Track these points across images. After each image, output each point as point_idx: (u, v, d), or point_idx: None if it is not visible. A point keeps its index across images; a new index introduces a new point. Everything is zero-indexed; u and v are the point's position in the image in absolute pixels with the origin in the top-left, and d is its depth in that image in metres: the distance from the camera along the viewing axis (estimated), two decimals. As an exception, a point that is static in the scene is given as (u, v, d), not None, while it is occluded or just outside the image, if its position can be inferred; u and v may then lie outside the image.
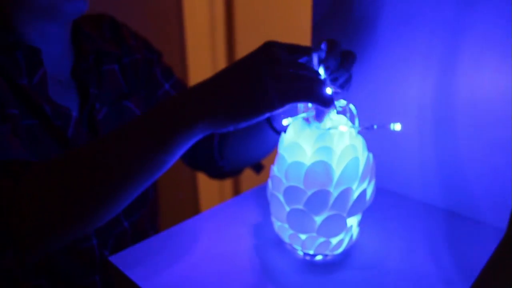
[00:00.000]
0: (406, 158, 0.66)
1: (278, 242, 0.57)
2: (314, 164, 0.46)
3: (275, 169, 0.52)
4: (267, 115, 0.43)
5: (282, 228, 0.52)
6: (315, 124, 0.49)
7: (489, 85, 0.54)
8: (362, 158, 0.49)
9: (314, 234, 0.50)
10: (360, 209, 0.50)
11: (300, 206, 0.48)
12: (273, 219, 0.54)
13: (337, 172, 0.47)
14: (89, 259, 0.64)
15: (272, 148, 0.70)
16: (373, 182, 0.51)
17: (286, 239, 0.53)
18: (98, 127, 0.65)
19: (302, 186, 0.48)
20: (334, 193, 0.48)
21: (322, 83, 0.44)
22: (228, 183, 1.60)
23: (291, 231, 0.51)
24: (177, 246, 0.57)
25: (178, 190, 1.52)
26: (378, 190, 0.70)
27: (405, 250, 0.55)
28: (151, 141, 0.43)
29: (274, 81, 0.42)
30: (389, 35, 0.61)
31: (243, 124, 0.44)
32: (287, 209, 0.50)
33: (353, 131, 0.50)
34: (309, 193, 0.48)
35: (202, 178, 1.52)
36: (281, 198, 0.50)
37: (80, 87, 0.65)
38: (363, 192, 0.49)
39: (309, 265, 0.53)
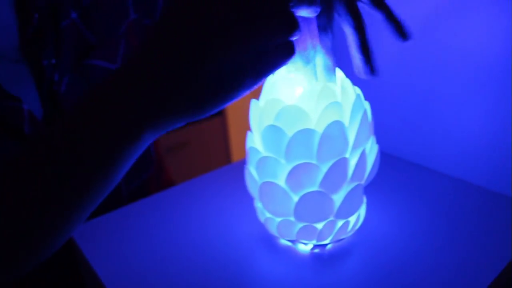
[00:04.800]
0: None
1: (268, 240, 0.45)
2: (329, 126, 0.35)
3: (263, 149, 0.39)
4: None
5: (269, 220, 0.40)
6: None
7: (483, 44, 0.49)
8: (368, 111, 0.39)
9: (332, 218, 0.39)
10: (374, 174, 0.41)
11: (315, 188, 0.37)
12: (263, 215, 0.41)
13: (351, 134, 0.37)
14: None
15: None
16: (375, 138, 0.42)
17: (292, 236, 0.40)
18: (63, 104, 0.52)
19: (314, 161, 0.36)
20: (351, 160, 0.37)
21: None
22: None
23: (300, 224, 0.39)
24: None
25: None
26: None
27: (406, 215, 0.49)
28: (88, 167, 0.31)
29: (231, 54, 0.29)
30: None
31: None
32: (295, 199, 0.37)
33: (344, 77, 0.39)
34: (324, 168, 0.36)
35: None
36: (283, 184, 0.37)
37: (32, 59, 0.51)
38: (378, 152, 0.40)
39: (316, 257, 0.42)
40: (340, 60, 0.40)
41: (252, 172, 0.40)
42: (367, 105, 0.40)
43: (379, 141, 0.61)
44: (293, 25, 0.30)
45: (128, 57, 0.31)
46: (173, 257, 0.43)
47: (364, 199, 0.43)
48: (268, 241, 0.45)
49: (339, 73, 0.39)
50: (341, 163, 0.36)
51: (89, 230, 0.49)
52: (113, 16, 0.58)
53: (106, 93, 0.30)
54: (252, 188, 0.41)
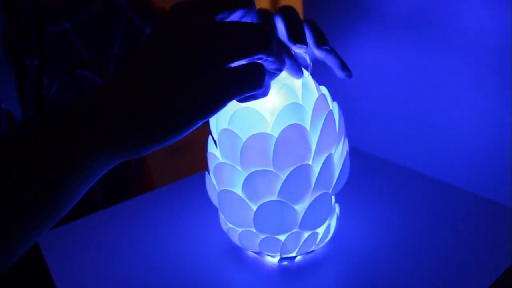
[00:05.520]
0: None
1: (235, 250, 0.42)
2: (286, 130, 0.32)
3: (220, 155, 0.36)
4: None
5: (231, 230, 0.37)
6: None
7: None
8: (335, 112, 0.36)
9: (297, 230, 0.35)
10: (344, 181, 0.37)
11: (274, 197, 0.34)
12: (226, 225, 0.38)
13: (314, 137, 0.34)
14: None
15: None
16: (346, 141, 0.39)
17: (255, 248, 0.37)
18: (50, 108, 0.52)
19: (271, 168, 0.33)
20: (315, 166, 0.34)
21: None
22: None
23: (261, 235, 0.36)
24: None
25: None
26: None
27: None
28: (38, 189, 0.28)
29: (197, 81, 0.27)
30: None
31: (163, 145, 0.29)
32: (254, 208, 0.34)
33: (307, 76, 0.36)
34: (283, 176, 0.33)
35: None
36: (240, 193, 0.34)
37: (16, 60, 0.51)
38: (346, 157, 0.37)
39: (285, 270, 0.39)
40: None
41: (212, 179, 0.38)
42: (334, 106, 0.36)
43: (367, 143, 0.58)
44: (268, 39, 0.28)
45: (94, 89, 0.30)
46: (136, 268, 0.41)
47: (337, 208, 0.39)
48: (236, 251, 0.42)
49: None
50: (302, 170, 0.33)
51: (56, 237, 0.47)
52: (107, 36, 0.59)
53: (64, 119, 0.29)
54: (213, 196, 0.38)
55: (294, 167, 0.33)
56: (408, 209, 0.46)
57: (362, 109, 0.58)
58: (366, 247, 0.41)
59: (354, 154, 0.58)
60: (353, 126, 0.61)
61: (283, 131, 0.32)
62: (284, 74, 0.35)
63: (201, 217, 0.48)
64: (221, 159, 0.35)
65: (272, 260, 0.40)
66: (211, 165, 0.37)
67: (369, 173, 0.54)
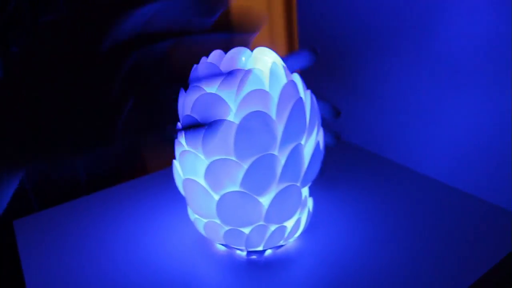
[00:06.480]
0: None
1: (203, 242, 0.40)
2: (248, 117, 0.30)
3: (185, 142, 0.34)
4: None
5: (197, 220, 0.36)
6: None
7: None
8: (307, 100, 0.34)
9: (262, 223, 0.34)
10: (315, 173, 0.36)
11: (236, 188, 0.32)
12: (191, 211, 0.37)
13: (280, 125, 0.32)
14: None
15: None
16: (321, 132, 0.37)
17: (220, 240, 0.36)
18: None
19: (233, 157, 0.31)
20: (281, 157, 0.32)
21: None
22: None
23: (225, 227, 0.34)
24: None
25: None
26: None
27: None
28: None
29: None
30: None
31: None
32: (216, 197, 0.33)
33: (277, 62, 0.34)
34: (245, 165, 0.31)
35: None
36: (203, 182, 0.33)
37: (2, 46, 0.49)
38: (317, 148, 0.35)
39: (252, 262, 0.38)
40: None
41: (177, 167, 0.36)
42: (307, 95, 0.34)
43: (361, 137, 0.56)
44: None
45: None
46: (101, 259, 0.40)
47: (309, 202, 0.38)
48: (204, 243, 0.41)
49: (271, 55, 0.34)
50: (266, 160, 0.31)
51: (30, 222, 0.46)
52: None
53: None
54: (179, 185, 0.37)
55: (257, 156, 0.31)
56: (392, 204, 0.44)
57: (359, 104, 0.56)
58: (341, 243, 0.39)
59: (346, 148, 0.57)
60: (352, 121, 0.59)
61: (244, 118, 0.30)
62: (253, 62, 0.34)
63: (174, 207, 0.46)
64: (185, 147, 0.34)
65: (241, 253, 0.38)
66: (177, 152, 0.35)
67: (359, 168, 0.52)
